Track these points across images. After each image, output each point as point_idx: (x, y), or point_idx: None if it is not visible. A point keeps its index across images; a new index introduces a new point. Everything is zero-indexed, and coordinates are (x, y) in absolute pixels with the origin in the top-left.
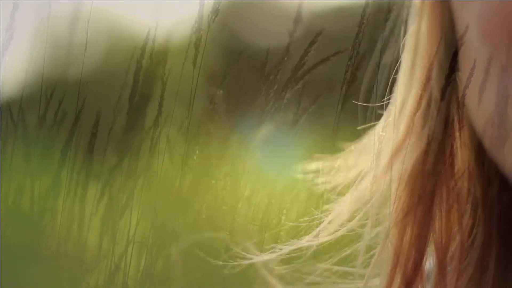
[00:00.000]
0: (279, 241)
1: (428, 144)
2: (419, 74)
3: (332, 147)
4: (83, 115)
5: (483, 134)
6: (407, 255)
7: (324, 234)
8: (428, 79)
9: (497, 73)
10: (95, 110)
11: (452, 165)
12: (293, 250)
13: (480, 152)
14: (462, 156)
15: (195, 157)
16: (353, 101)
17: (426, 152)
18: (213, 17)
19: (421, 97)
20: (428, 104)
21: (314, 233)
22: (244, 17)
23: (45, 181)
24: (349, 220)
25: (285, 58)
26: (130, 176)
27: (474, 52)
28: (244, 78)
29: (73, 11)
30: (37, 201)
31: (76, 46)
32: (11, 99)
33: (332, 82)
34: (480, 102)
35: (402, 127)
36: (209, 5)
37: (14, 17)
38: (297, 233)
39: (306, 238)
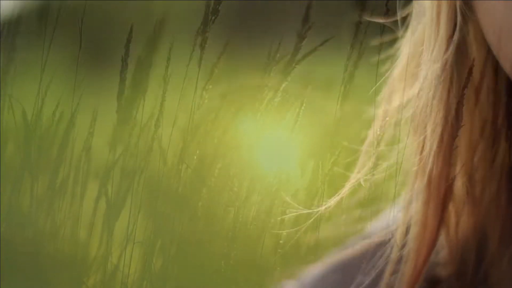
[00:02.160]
0: (281, 241)
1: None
2: None
3: (331, 145)
4: (79, 112)
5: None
6: (439, 175)
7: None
8: None
9: None
10: (92, 107)
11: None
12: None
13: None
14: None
15: (195, 157)
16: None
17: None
18: (213, 18)
19: None
20: None
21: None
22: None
23: (45, 181)
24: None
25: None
26: (129, 175)
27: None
28: (243, 75)
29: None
30: (37, 201)
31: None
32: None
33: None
34: None
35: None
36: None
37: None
38: (297, 232)
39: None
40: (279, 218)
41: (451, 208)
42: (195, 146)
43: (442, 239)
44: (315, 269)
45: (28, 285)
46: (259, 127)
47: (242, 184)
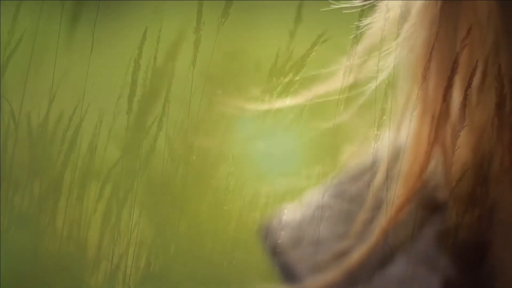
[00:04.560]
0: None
1: None
2: None
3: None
4: (85, 115)
5: None
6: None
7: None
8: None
9: None
10: (97, 109)
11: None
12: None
13: None
14: None
15: (194, 157)
16: None
17: None
18: (223, 20)
19: None
20: None
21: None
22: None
23: (45, 181)
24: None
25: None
26: (131, 176)
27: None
28: (245, 77)
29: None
30: (37, 201)
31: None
32: (12, 99)
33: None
34: None
35: None
36: (210, 6)
37: (16, 19)
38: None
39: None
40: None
41: (448, 128)
42: (197, 147)
43: (439, 161)
44: (314, 192)
45: (29, 285)
46: (262, 129)
47: (245, 185)
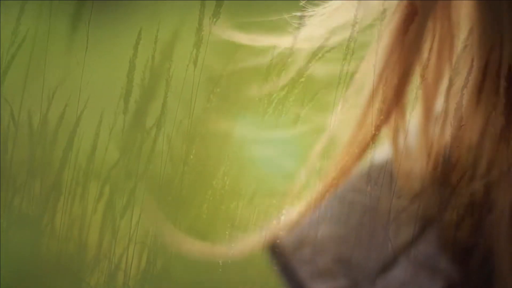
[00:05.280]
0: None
1: None
2: None
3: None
4: (84, 115)
5: None
6: (389, 78)
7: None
8: None
9: None
10: (97, 109)
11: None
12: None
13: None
14: None
15: (191, 157)
16: None
17: None
18: (214, 20)
19: None
20: None
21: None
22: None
23: (45, 181)
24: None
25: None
26: (130, 176)
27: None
28: (245, 78)
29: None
30: (37, 201)
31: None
32: (12, 99)
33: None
34: None
35: None
36: (210, 6)
37: (19, 20)
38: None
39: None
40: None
41: (447, 128)
42: (198, 148)
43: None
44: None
45: (29, 285)
46: (262, 128)
47: (246, 185)
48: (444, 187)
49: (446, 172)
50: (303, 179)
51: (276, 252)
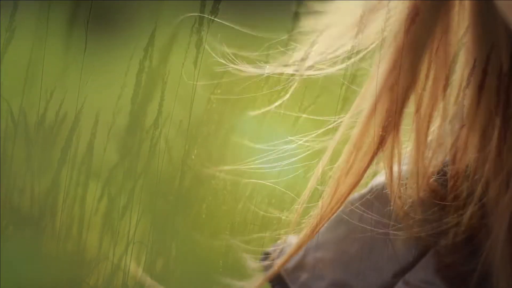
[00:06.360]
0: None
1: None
2: None
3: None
4: (83, 115)
5: None
6: (385, 102)
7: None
8: None
9: None
10: (95, 109)
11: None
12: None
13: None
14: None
15: (193, 157)
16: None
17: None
18: (212, 17)
19: None
20: None
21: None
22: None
23: (45, 181)
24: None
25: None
26: (130, 176)
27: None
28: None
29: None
30: (37, 201)
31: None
32: (11, 99)
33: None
34: None
35: None
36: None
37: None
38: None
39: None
40: (280, 219)
41: (446, 128)
42: (199, 148)
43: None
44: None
45: (28, 285)
46: (262, 128)
47: (246, 185)
48: (440, 212)
49: (442, 197)
50: (301, 208)
51: (275, 276)
